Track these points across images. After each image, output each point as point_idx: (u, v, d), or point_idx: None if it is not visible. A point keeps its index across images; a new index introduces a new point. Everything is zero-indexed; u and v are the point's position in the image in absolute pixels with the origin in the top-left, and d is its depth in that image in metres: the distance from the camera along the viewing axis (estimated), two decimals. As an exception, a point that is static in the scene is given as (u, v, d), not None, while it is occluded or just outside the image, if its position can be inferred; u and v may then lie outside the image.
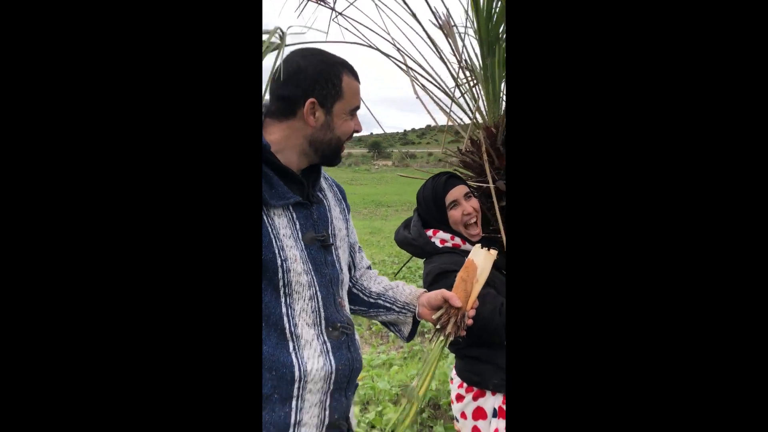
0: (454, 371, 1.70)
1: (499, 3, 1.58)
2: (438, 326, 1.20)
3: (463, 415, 1.62)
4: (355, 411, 1.28)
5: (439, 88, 1.75)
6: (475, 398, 1.59)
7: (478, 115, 1.70)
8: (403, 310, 1.28)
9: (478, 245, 1.30)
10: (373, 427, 2.90)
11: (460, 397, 1.65)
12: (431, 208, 1.61)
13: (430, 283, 1.51)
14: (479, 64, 1.65)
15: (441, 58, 1.70)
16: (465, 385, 1.62)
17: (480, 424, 1.58)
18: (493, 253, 1.27)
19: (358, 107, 1.10)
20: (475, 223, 1.59)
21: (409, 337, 1.33)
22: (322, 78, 1.04)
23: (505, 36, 1.62)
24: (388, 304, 1.29)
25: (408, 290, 1.31)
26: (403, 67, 1.74)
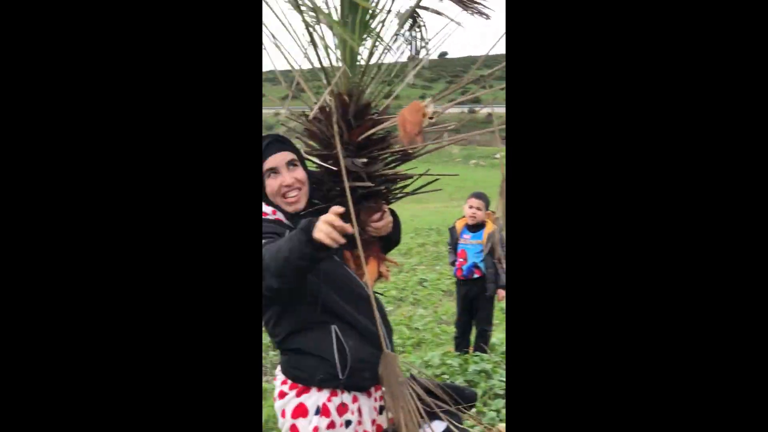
0: (279, 368, 1.55)
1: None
2: None
3: (283, 413, 1.47)
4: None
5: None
6: (298, 395, 1.45)
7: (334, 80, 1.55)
8: None
9: None
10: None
11: (282, 394, 1.50)
12: None
13: None
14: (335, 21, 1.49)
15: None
16: (289, 381, 1.47)
17: (299, 422, 1.42)
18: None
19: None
20: (296, 196, 1.41)
21: None
22: None
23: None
24: None
25: None
26: None
